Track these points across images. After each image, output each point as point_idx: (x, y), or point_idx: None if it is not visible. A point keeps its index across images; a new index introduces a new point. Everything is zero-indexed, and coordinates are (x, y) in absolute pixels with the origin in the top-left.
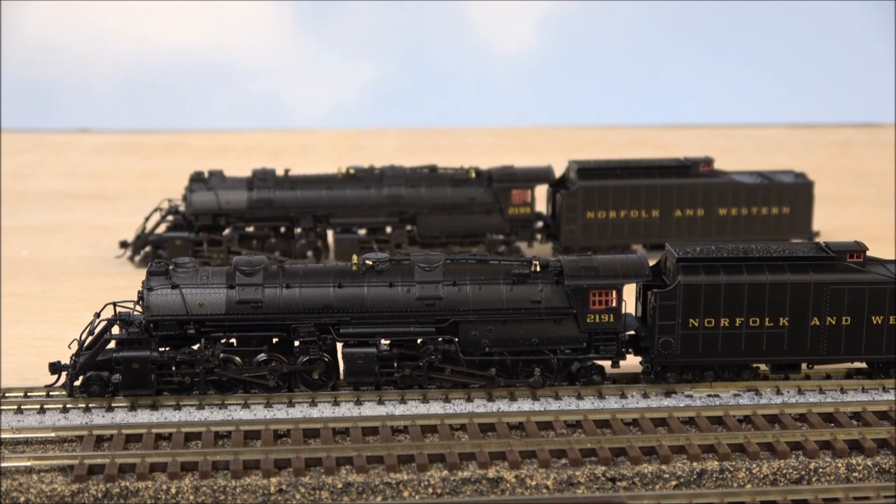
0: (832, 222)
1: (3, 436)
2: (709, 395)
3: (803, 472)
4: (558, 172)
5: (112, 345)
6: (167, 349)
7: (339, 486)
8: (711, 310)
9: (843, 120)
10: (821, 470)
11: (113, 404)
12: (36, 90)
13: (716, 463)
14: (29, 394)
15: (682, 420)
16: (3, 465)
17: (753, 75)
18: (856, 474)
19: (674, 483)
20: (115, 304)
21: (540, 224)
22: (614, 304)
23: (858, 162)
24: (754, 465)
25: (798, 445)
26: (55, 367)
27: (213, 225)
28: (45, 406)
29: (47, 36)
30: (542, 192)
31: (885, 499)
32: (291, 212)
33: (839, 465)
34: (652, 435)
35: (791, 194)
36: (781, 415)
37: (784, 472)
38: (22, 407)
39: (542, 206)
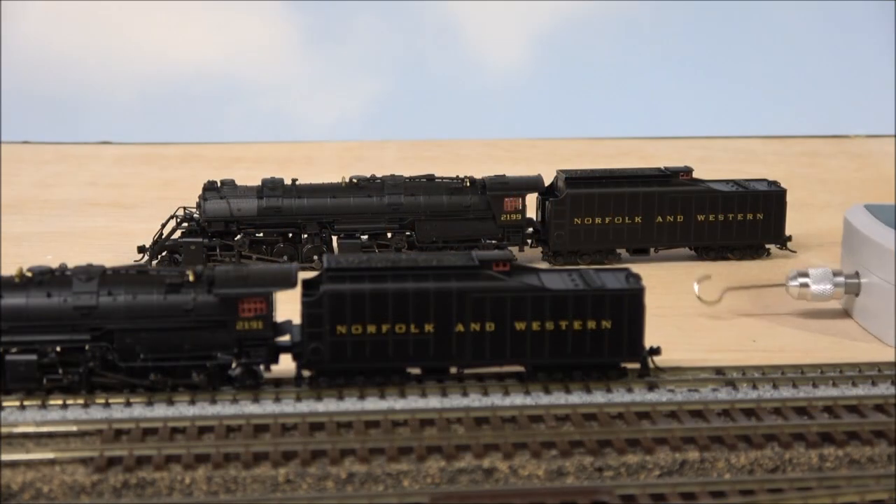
0: (804, 227)
1: (28, 430)
2: (689, 391)
3: (778, 463)
4: (548, 181)
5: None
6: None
7: (343, 476)
8: None
9: (812, 132)
10: (794, 460)
11: (131, 400)
12: (61, 105)
13: (696, 453)
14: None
15: (664, 413)
16: (28, 457)
17: (728, 90)
18: (828, 464)
19: (657, 472)
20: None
21: (530, 230)
22: (265, 312)
23: (827, 171)
24: (732, 456)
25: (773, 437)
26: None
27: (226, 231)
28: (67, 402)
29: (73, 55)
30: (532, 199)
31: (854, 487)
32: (298, 218)
33: (812, 455)
34: (636, 427)
35: (765, 201)
36: (758, 408)
37: (760, 462)
38: (46, 403)
39: (532, 212)
